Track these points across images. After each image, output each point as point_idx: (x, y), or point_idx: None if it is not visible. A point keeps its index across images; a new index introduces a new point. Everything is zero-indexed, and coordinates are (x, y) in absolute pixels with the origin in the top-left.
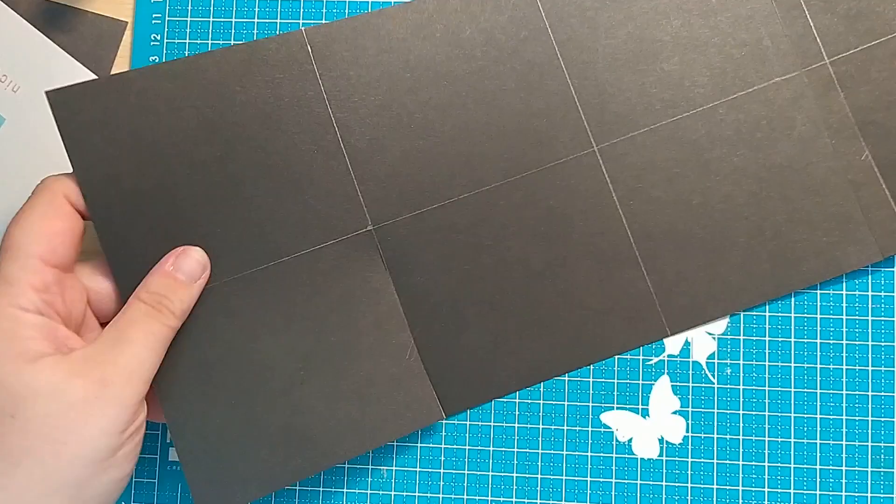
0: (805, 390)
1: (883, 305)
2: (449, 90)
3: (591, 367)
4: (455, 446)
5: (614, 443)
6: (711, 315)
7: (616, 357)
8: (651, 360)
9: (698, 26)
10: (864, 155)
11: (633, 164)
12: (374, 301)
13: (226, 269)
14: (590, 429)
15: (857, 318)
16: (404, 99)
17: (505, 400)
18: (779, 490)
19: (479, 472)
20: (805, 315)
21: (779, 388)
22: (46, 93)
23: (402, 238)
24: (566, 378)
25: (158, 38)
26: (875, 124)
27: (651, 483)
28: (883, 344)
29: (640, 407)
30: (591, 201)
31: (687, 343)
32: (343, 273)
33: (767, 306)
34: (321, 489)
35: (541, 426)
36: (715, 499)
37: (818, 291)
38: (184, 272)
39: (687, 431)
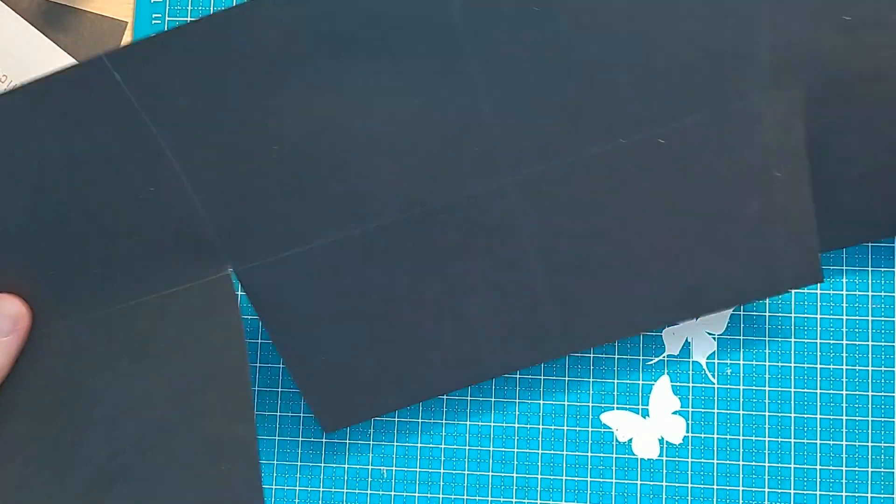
0: (805, 390)
1: (883, 305)
2: (316, 106)
3: (591, 367)
4: (455, 446)
5: (614, 443)
6: (606, 339)
7: (616, 357)
8: (651, 360)
9: (657, 33)
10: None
11: (551, 196)
12: (229, 345)
13: (67, 309)
14: (590, 429)
15: (857, 318)
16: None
17: (505, 400)
18: (779, 490)
19: (479, 473)
20: (805, 315)
21: (779, 389)
22: None
23: (270, 280)
24: (566, 378)
25: None
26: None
27: (651, 483)
28: (883, 344)
29: (640, 407)
30: (499, 237)
31: (687, 343)
32: (197, 317)
33: (767, 306)
34: (321, 489)
35: (541, 426)
36: (715, 499)
37: (818, 291)
38: None
39: (687, 431)
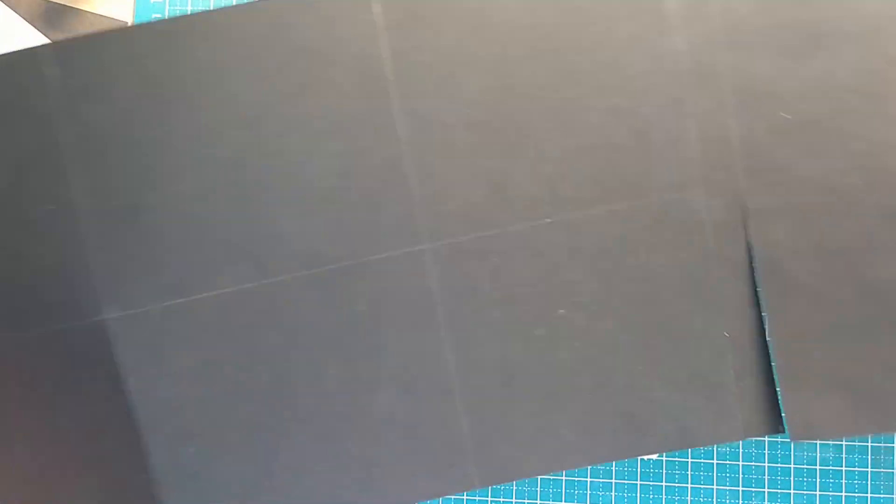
0: None
1: None
2: (226, 140)
3: None
4: None
5: None
6: (532, 472)
7: None
8: None
9: (601, 109)
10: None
11: (471, 273)
12: (100, 398)
13: None
14: None
15: None
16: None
17: None
18: (779, 490)
19: None
20: None
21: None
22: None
23: (147, 333)
24: None
25: None
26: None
27: (651, 483)
28: None
29: None
30: (410, 313)
31: None
32: (72, 360)
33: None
34: None
35: None
36: (715, 499)
37: None
38: None
39: None
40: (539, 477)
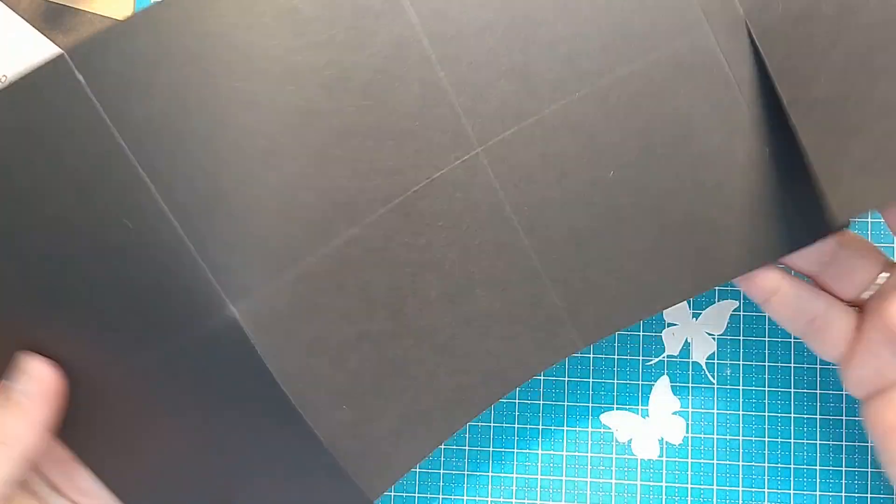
0: (805, 390)
1: None
2: (291, 97)
3: (591, 367)
4: (455, 447)
5: (614, 443)
6: (623, 323)
7: (616, 357)
8: (651, 360)
9: None
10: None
11: (522, 163)
12: (255, 394)
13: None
14: (589, 429)
15: None
16: (226, 125)
17: (505, 400)
18: (779, 490)
19: (478, 473)
20: None
21: (779, 389)
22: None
23: (273, 313)
24: (566, 378)
25: None
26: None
27: (651, 484)
28: None
29: (640, 407)
30: (482, 214)
31: (687, 343)
32: (213, 363)
33: None
34: None
35: (540, 426)
36: (715, 499)
37: None
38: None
39: (687, 432)
40: (540, 477)
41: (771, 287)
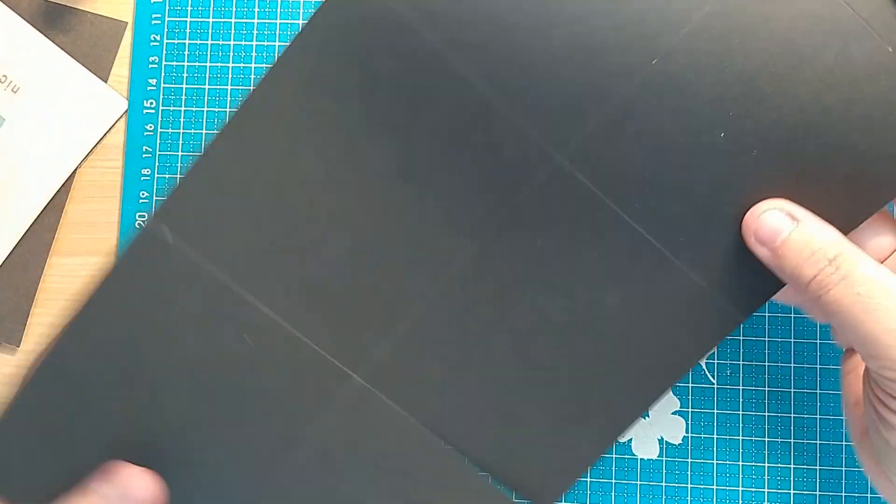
0: (805, 391)
1: None
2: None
3: None
4: None
5: (614, 443)
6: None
7: None
8: None
9: None
10: None
11: (606, 154)
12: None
13: None
14: None
15: None
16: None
17: None
18: (779, 490)
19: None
20: (805, 315)
21: (779, 389)
22: None
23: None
24: None
25: (158, 38)
26: None
27: (651, 483)
28: None
29: None
30: (586, 213)
31: None
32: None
33: (767, 306)
34: None
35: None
36: (715, 499)
37: None
38: None
39: (687, 432)
40: None
41: (776, 226)
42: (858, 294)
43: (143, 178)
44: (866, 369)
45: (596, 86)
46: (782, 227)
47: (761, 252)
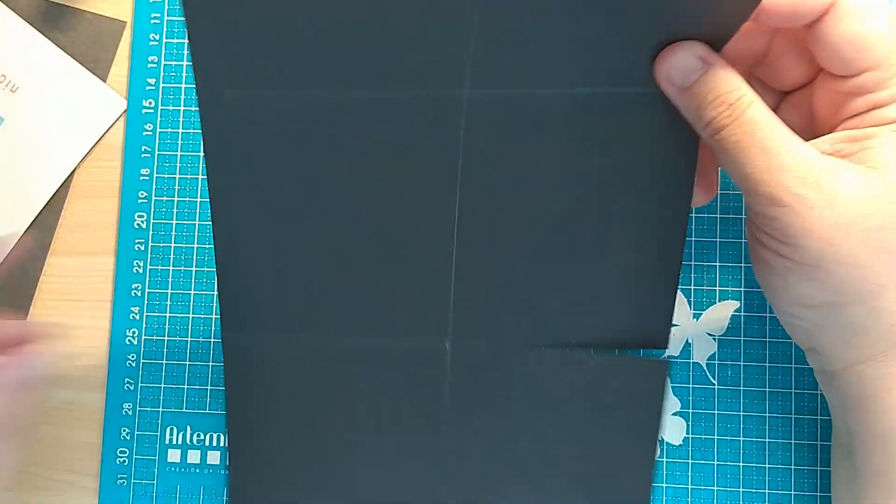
0: (805, 391)
1: None
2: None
3: None
4: None
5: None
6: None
7: None
8: None
9: None
10: None
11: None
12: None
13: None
14: None
15: None
16: None
17: None
18: (779, 491)
19: None
20: None
21: (779, 389)
22: None
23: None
24: None
25: (157, 38)
26: None
27: (652, 484)
28: None
29: None
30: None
31: (687, 344)
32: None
33: (768, 307)
34: None
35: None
36: (715, 500)
37: None
38: None
39: (687, 433)
40: None
41: (687, 68)
42: (744, 132)
43: (142, 178)
44: (750, 217)
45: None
46: (692, 69)
47: (669, 90)
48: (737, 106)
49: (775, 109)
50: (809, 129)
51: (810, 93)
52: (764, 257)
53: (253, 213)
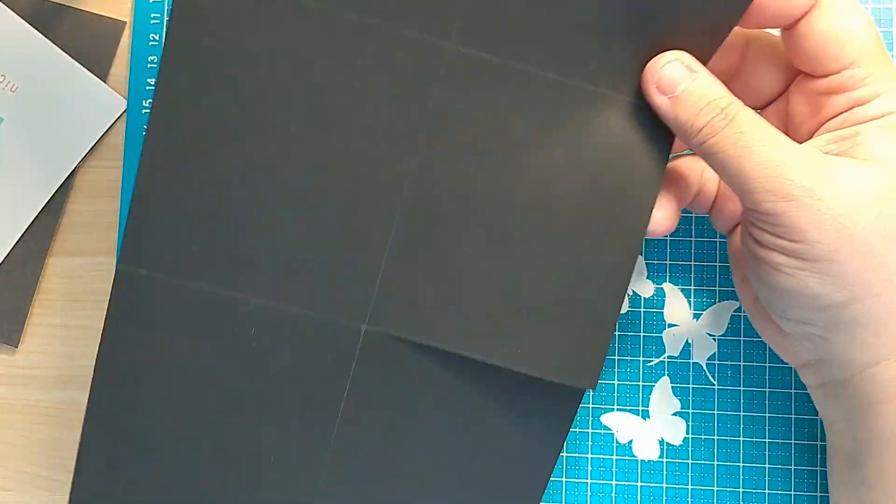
0: (805, 391)
1: None
2: None
3: None
4: None
5: (614, 444)
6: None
7: (616, 358)
8: (651, 361)
9: None
10: None
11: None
12: None
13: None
14: (590, 430)
15: None
16: None
17: None
18: (779, 492)
19: None
20: None
21: (779, 390)
22: None
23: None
24: None
25: (157, 38)
26: None
27: (651, 485)
28: None
29: (641, 408)
30: (503, 91)
31: (687, 344)
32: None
33: None
34: None
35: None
36: (715, 500)
37: None
38: None
39: (687, 433)
40: None
41: (677, 77)
42: (740, 133)
43: None
44: (743, 225)
45: None
46: (681, 78)
47: (660, 101)
48: (729, 110)
49: None
50: None
51: (784, 104)
52: (770, 261)
53: (184, 147)
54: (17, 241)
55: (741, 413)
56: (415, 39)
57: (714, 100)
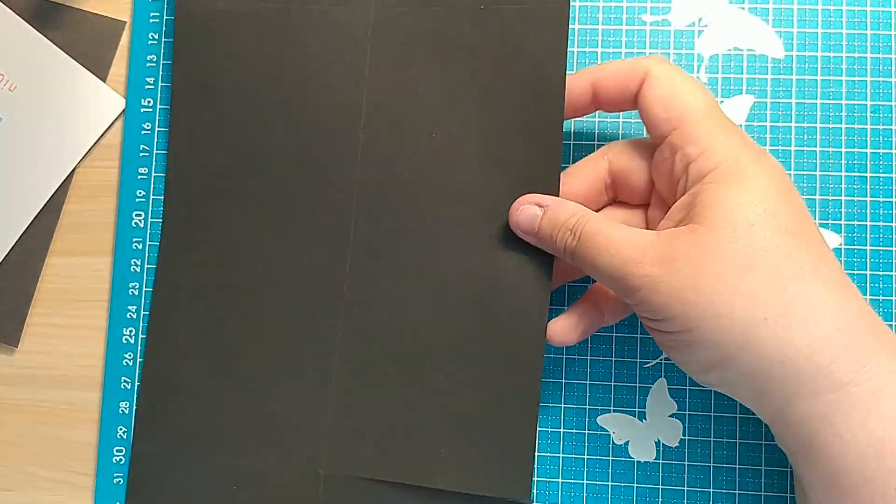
0: None
1: (881, 309)
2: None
3: (588, 369)
4: None
5: (611, 446)
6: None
7: (613, 360)
8: (648, 362)
9: None
10: None
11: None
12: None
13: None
14: (586, 431)
15: None
16: None
17: None
18: (775, 493)
19: None
20: None
21: None
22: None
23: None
24: (563, 380)
25: (156, 37)
26: None
27: (647, 486)
28: None
29: (637, 410)
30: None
31: None
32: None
33: None
34: None
35: (538, 428)
36: (711, 501)
37: None
38: None
39: (684, 435)
40: (537, 479)
41: (530, 220)
42: (587, 247)
43: (140, 178)
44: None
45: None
46: (535, 217)
47: (525, 237)
48: (577, 227)
49: (650, 222)
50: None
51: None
52: (659, 341)
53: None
54: (17, 241)
55: (737, 415)
56: (327, 225)
57: (563, 223)
